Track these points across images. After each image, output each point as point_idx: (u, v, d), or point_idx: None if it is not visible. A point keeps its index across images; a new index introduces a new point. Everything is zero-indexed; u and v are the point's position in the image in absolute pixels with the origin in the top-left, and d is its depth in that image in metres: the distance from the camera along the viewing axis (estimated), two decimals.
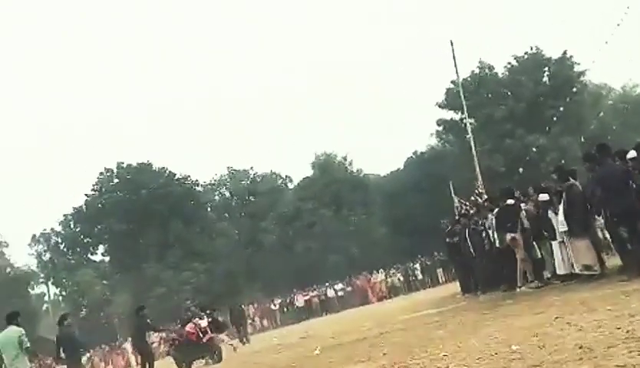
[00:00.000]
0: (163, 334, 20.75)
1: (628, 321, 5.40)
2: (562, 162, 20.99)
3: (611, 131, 35.99)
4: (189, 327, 14.70)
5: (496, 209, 12.24)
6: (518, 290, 11.43)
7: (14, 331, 9.85)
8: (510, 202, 11.75)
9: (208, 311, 16.29)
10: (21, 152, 70.76)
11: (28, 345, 9.87)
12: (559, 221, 10.10)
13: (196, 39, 77.64)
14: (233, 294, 28.70)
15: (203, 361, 14.96)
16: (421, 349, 6.82)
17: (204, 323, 14.86)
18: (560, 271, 10.62)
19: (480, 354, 5.60)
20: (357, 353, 8.09)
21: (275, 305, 33.63)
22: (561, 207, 10.05)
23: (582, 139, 30.21)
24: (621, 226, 9.26)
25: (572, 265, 10.18)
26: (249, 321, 31.35)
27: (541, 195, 10.87)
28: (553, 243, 10.66)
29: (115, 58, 76.48)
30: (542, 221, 10.86)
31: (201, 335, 14.52)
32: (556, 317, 6.72)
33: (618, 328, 5.18)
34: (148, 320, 14.61)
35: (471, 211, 16.27)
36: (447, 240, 16.04)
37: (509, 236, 11.42)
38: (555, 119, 28.54)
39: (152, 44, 76.76)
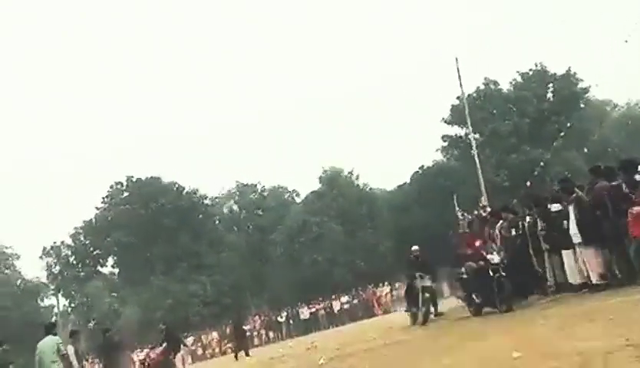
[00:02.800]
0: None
1: (629, 329, 5.49)
2: (567, 173, 21.11)
3: (615, 146, 36.05)
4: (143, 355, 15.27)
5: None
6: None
7: (52, 340, 10.95)
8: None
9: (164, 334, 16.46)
10: (31, 165, 71.30)
11: (65, 352, 10.89)
12: (572, 233, 10.01)
13: (203, 52, 78.29)
14: (239, 306, 28.75)
15: None
16: (424, 358, 6.96)
17: (142, 354, 15.35)
18: (575, 281, 10.38)
19: (481, 362, 5.75)
20: (361, 363, 8.20)
21: (281, 317, 33.67)
22: (572, 218, 10.01)
23: (586, 150, 30.29)
24: None
25: (588, 275, 9.96)
26: (255, 333, 31.63)
27: (554, 205, 10.72)
28: (564, 252, 10.46)
29: (124, 72, 77.44)
30: (555, 230, 10.62)
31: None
32: (559, 327, 6.85)
33: (619, 336, 5.27)
34: (117, 339, 15.36)
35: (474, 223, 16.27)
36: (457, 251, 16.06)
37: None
38: (562, 134, 28.79)
39: (162, 59, 77.59)
